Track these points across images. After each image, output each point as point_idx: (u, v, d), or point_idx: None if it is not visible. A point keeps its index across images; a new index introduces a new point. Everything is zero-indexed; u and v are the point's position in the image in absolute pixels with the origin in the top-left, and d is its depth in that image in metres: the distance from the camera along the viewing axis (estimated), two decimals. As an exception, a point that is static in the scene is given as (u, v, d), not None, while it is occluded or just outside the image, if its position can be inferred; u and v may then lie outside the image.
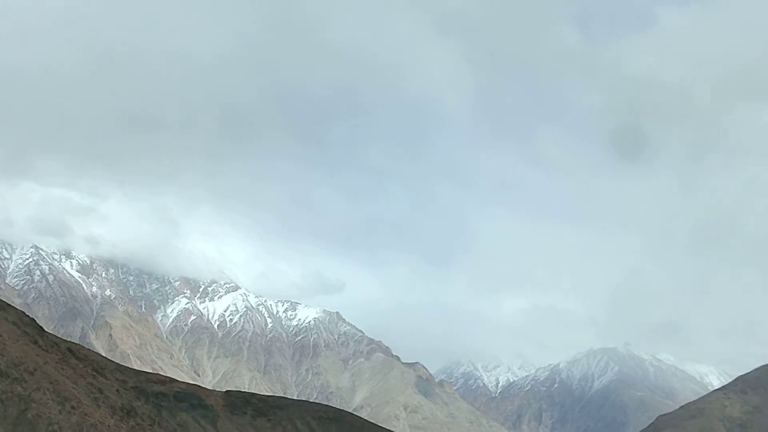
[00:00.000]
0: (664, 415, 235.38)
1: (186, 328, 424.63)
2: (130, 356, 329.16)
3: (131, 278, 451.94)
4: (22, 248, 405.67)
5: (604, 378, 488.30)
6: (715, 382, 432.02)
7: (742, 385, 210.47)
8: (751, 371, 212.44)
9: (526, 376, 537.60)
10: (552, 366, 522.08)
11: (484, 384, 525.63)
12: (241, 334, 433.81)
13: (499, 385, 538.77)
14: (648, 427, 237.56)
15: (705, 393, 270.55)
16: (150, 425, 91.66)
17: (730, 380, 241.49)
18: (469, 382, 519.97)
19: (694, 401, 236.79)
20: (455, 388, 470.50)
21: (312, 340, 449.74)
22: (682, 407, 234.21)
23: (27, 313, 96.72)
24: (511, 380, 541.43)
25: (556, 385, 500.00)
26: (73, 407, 76.42)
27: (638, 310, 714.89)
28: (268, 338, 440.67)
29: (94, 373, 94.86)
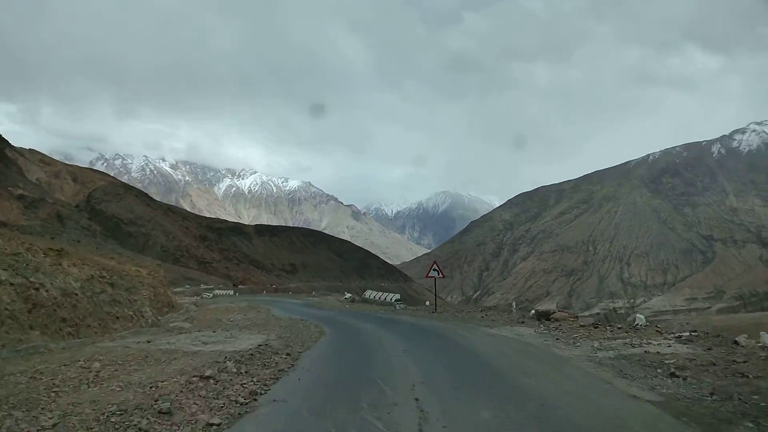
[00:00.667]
0: (473, 221, 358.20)
1: (231, 194, 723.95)
2: (203, 210, 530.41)
3: (198, 169, 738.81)
4: (138, 156, 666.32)
5: (443, 206, 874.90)
6: (496, 203, 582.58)
7: (509, 203, 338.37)
8: (513, 196, 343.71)
9: (406, 207, 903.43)
10: (418, 201, 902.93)
11: (385, 213, 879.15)
12: (259, 195, 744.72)
13: (393, 212, 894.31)
14: (465, 228, 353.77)
15: (492, 209, 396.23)
16: (215, 244, 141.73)
17: (503, 202, 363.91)
18: (379, 212, 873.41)
19: (486, 213, 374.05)
20: (371, 215, 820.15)
21: (297, 197, 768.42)
22: (481, 216, 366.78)
23: (143, 191, 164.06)
24: (398, 210, 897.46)
25: (420, 211, 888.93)
26: (173, 237, 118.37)
27: (458, 168, 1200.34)
28: (274, 197, 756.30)
29: (183, 219, 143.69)
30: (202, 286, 78.24)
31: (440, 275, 29.50)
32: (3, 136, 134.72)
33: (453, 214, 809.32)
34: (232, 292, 69.93)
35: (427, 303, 40.86)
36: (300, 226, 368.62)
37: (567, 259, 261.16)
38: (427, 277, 30.59)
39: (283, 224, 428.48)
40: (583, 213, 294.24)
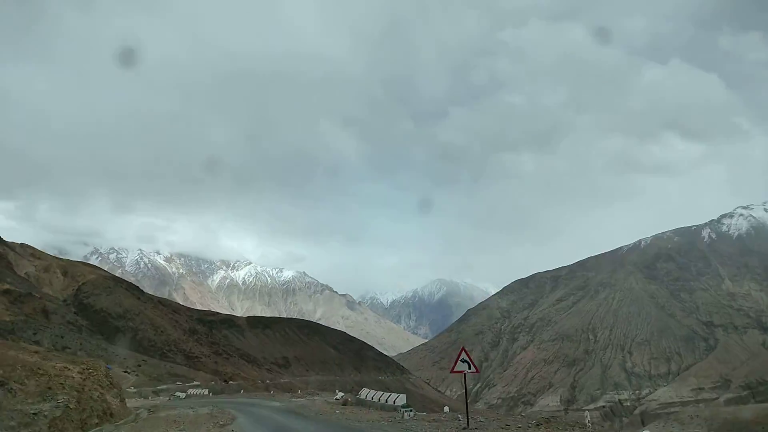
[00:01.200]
0: (469, 309, 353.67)
1: (225, 285, 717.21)
2: (196, 303, 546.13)
3: (192, 262, 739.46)
4: (133, 250, 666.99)
5: (439, 294, 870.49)
6: (492, 290, 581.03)
7: (505, 291, 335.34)
8: (509, 283, 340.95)
9: (401, 296, 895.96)
10: (413, 289, 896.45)
11: (380, 302, 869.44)
12: (254, 287, 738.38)
13: (388, 301, 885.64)
14: (462, 316, 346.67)
15: (488, 296, 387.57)
16: (206, 337, 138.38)
17: (499, 289, 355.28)
18: (374, 301, 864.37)
19: (483, 300, 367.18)
20: (367, 305, 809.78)
21: (292, 287, 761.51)
22: (478, 304, 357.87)
23: (135, 284, 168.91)
24: (394, 299, 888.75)
25: (416, 299, 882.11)
26: (161, 332, 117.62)
27: (451, 255, 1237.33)
28: (268, 287, 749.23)
29: (173, 312, 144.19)
30: (194, 383, 74.78)
31: (473, 369, 20.55)
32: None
33: (449, 301, 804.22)
34: (206, 392, 64.47)
35: (446, 409, 32.73)
36: (294, 317, 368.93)
37: (567, 348, 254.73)
38: (453, 371, 20.61)
39: (278, 315, 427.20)
40: (581, 300, 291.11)
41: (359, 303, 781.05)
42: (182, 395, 56.84)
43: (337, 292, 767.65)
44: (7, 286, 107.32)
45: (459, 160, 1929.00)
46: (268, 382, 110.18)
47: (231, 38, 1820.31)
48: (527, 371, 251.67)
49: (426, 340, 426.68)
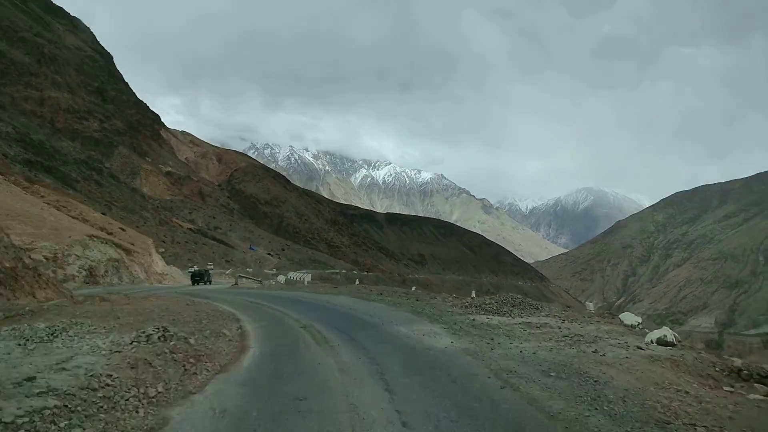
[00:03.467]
0: (619, 221, 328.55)
1: (366, 184, 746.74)
2: (340, 198, 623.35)
3: (337, 160, 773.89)
4: (284, 146, 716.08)
5: (584, 203, 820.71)
6: (646, 203, 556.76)
7: (663, 203, 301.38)
8: (668, 196, 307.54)
9: (542, 203, 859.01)
10: (556, 197, 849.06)
11: (519, 208, 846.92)
12: (393, 186, 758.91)
13: (527, 208, 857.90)
14: (609, 228, 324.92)
15: (642, 209, 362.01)
16: (346, 229, 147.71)
17: (655, 202, 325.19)
18: (512, 207, 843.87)
19: (635, 212, 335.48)
20: (504, 210, 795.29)
21: (429, 188, 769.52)
22: (629, 216, 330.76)
23: (284, 175, 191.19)
24: (534, 206, 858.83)
25: (558, 208, 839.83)
26: (305, 220, 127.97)
27: (602, 163, 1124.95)
28: (407, 188, 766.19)
29: (317, 203, 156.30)
30: (333, 270, 74.58)
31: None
32: (160, 118, 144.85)
33: (595, 212, 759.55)
34: (308, 278, 53.07)
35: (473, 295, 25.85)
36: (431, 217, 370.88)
37: (731, 269, 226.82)
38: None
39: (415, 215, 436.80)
40: (754, 217, 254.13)
41: (496, 208, 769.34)
42: (286, 277, 50.38)
43: (474, 196, 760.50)
44: (169, 169, 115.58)
45: (620, 56, 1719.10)
46: (400, 275, 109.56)
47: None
48: (680, 289, 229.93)
49: (566, 250, 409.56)
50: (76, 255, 32.68)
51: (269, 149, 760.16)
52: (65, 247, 32.11)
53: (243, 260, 70.31)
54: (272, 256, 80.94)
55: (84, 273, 32.30)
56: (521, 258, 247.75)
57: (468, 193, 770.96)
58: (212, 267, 57.84)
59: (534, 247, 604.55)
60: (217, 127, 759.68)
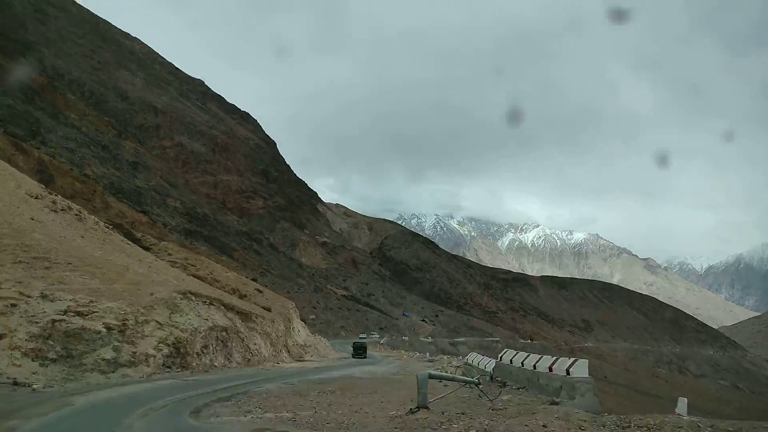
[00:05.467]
0: None
1: (514, 248, 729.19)
2: (487, 264, 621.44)
3: (483, 225, 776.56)
4: (430, 215, 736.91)
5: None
6: None
7: None
8: None
9: (721, 261, 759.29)
10: (736, 254, 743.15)
11: (692, 267, 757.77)
12: (543, 249, 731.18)
13: (702, 267, 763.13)
14: None
15: None
16: (501, 293, 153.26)
17: None
18: (683, 267, 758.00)
19: None
20: (674, 270, 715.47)
21: (583, 249, 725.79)
22: None
23: (431, 240, 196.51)
24: (710, 264, 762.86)
25: (741, 266, 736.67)
26: (456, 284, 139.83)
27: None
28: (558, 250, 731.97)
29: (467, 267, 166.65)
30: (491, 338, 68.36)
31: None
32: (317, 193, 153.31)
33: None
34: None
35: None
36: (593, 279, 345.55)
37: None
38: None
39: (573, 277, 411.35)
40: None
41: (665, 268, 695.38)
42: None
43: (636, 256, 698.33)
44: (324, 239, 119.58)
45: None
46: (566, 343, 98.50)
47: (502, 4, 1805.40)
48: None
49: (758, 313, 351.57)
50: (158, 322, 21.70)
51: (416, 219, 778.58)
52: (141, 310, 21.35)
53: (396, 327, 67.25)
54: (426, 322, 77.23)
55: (166, 350, 21.02)
56: (705, 323, 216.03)
57: (629, 252, 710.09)
58: (377, 336, 54.71)
59: (715, 311, 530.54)
60: (366, 201, 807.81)
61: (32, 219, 28.65)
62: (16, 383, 14.61)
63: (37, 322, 17.48)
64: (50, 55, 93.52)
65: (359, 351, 38.84)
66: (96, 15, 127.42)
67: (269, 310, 37.01)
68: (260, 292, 42.54)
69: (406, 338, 56.88)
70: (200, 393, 15.19)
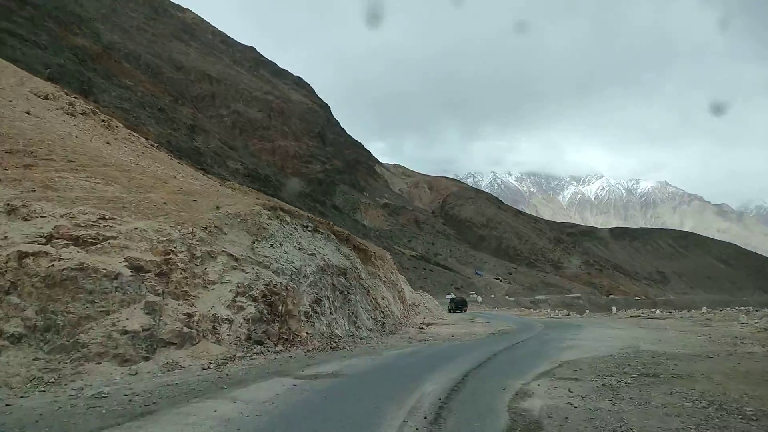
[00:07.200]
0: None
1: (576, 201, 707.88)
2: (547, 218, 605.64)
3: (542, 180, 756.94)
4: (486, 173, 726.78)
5: None
6: None
7: None
8: None
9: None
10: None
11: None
12: (607, 201, 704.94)
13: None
14: None
15: None
16: (572, 246, 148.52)
17: None
18: (761, 211, 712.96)
19: None
20: (751, 215, 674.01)
21: (651, 199, 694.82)
22: None
23: (494, 197, 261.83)
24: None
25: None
26: (525, 240, 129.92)
27: None
28: (624, 201, 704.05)
29: (534, 222, 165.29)
30: (571, 294, 64.74)
31: None
32: (374, 155, 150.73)
33: None
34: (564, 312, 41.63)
35: None
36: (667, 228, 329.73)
37: None
38: None
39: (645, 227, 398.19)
40: None
41: (741, 213, 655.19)
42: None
43: (709, 202, 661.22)
44: (385, 200, 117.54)
45: None
46: (648, 297, 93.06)
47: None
48: None
49: None
50: (231, 256, 12.71)
51: (471, 177, 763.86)
52: (200, 235, 12.57)
53: (473, 285, 64.67)
54: (500, 280, 74.17)
55: (252, 308, 11.86)
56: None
57: (701, 199, 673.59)
58: (476, 295, 52.98)
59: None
60: (420, 163, 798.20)
61: (27, 113, 21.06)
62: None
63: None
64: (105, 30, 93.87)
65: (460, 305, 38.95)
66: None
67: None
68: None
69: (494, 296, 54.56)
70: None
